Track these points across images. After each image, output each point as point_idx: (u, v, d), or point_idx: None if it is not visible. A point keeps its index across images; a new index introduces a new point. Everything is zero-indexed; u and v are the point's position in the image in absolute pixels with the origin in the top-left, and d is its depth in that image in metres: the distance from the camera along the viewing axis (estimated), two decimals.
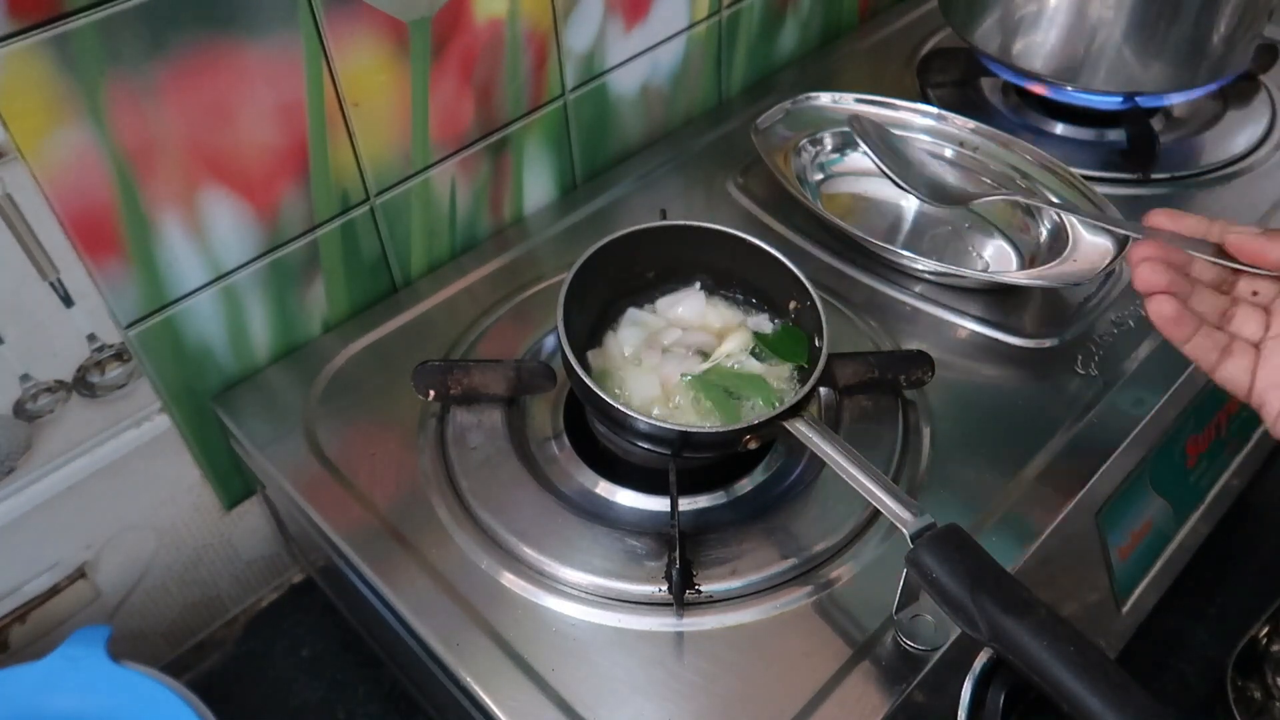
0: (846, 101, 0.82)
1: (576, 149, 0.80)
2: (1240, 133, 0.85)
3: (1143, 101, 0.82)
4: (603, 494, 0.58)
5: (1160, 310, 0.49)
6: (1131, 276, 0.50)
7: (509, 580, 0.54)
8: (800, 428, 0.52)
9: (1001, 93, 0.91)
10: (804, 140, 0.80)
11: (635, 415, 0.52)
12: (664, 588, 0.52)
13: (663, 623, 0.52)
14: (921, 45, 0.97)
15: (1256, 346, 0.50)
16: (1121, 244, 0.69)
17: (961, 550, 0.46)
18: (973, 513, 0.57)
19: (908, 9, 1.03)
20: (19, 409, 0.57)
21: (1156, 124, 0.85)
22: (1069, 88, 0.82)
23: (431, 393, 0.61)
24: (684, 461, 0.56)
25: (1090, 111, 0.84)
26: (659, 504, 0.57)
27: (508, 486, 0.58)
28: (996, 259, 0.74)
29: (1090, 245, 0.70)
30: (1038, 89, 0.84)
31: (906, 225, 0.77)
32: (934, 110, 0.81)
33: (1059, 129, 0.87)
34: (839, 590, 0.53)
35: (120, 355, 0.60)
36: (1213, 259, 0.51)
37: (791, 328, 0.60)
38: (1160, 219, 0.53)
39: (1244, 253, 0.51)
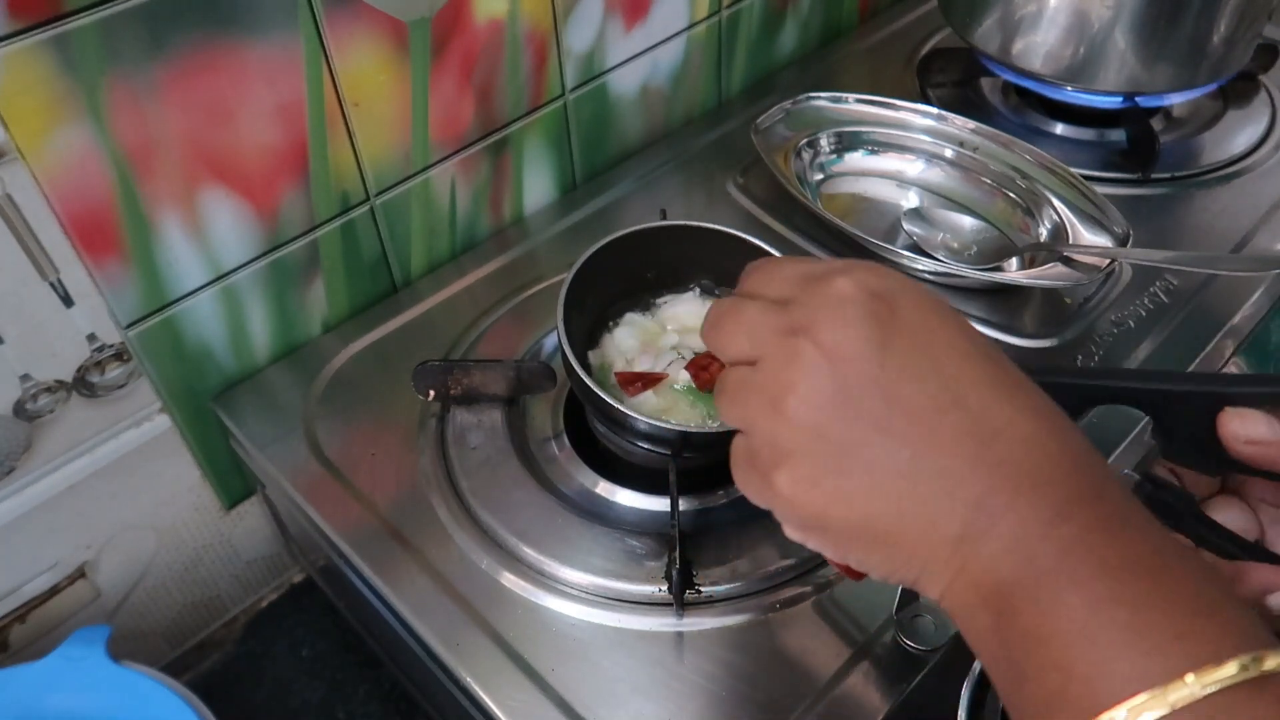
0: (846, 101, 0.82)
1: (576, 149, 0.80)
2: (1240, 133, 0.85)
3: (1143, 101, 0.82)
4: (603, 494, 0.58)
5: None
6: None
7: (509, 580, 0.54)
8: None
9: (1001, 93, 0.91)
10: (804, 140, 0.80)
11: (635, 415, 0.52)
12: (664, 588, 0.52)
13: (663, 623, 0.52)
14: (921, 45, 0.97)
15: None
16: (1121, 243, 0.69)
17: None
18: None
19: (908, 9, 1.03)
20: (19, 409, 0.57)
21: (1156, 124, 0.85)
22: (1069, 88, 0.82)
23: (431, 393, 0.61)
24: (684, 462, 0.56)
25: (1090, 111, 0.84)
26: (659, 504, 0.57)
27: (508, 486, 0.58)
28: (997, 258, 0.74)
29: (1090, 245, 0.70)
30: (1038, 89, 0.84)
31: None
32: (934, 110, 0.81)
33: (1059, 129, 0.87)
34: (839, 590, 0.53)
35: (120, 355, 0.60)
36: None
37: None
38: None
39: None
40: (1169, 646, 0.28)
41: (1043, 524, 0.31)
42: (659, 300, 0.63)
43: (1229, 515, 0.40)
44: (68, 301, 0.56)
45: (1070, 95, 0.83)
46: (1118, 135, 0.85)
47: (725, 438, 0.53)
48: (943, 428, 0.32)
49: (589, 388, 0.53)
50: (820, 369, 0.33)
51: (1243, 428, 0.36)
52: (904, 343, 0.33)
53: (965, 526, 0.31)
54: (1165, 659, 0.27)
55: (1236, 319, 0.69)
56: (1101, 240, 0.71)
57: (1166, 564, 0.30)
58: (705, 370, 0.57)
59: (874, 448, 0.32)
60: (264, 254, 0.64)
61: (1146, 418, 0.39)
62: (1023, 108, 0.89)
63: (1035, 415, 0.33)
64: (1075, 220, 0.73)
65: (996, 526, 0.31)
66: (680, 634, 0.52)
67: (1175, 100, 0.84)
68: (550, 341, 0.66)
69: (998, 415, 0.32)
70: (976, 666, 0.52)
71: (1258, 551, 0.39)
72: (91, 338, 0.59)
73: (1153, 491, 0.39)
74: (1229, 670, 0.27)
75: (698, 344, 0.60)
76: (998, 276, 0.70)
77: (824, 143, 0.81)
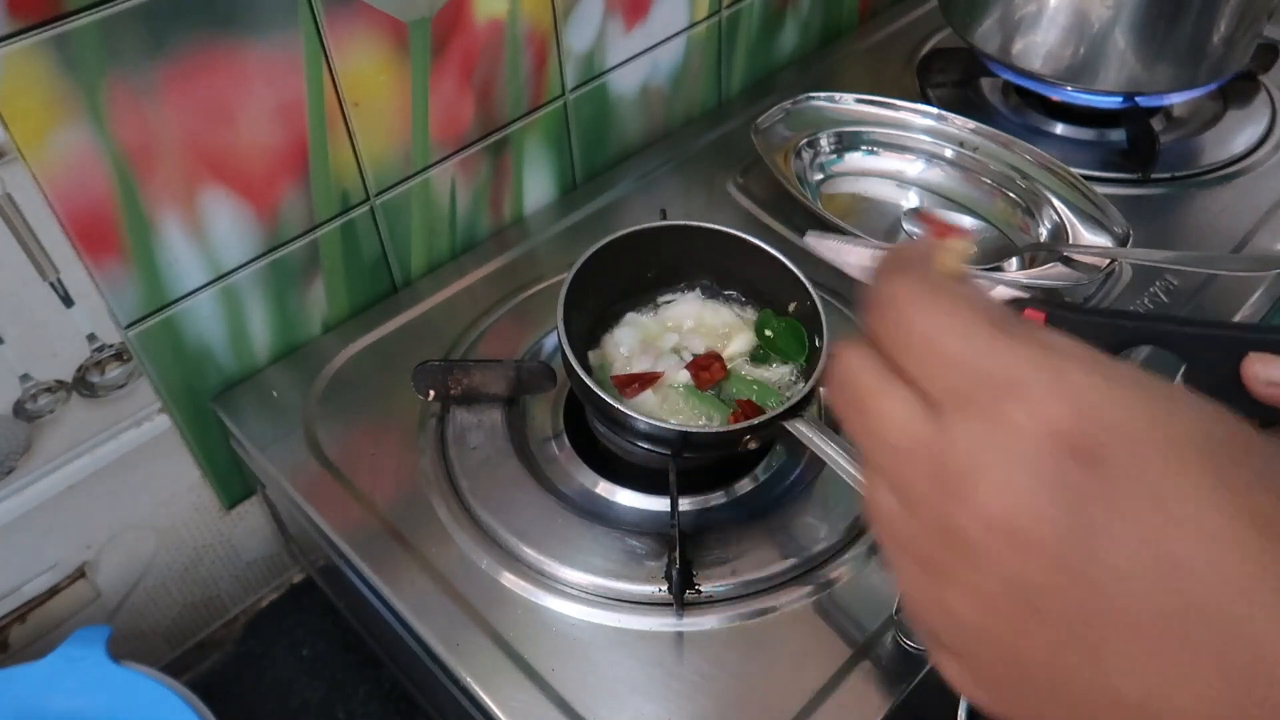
0: (846, 101, 0.82)
1: (576, 149, 0.80)
2: (1240, 133, 0.85)
3: (1143, 101, 0.82)
4: (603, 494, 0.58)
5: None
6: None
7: (509, 580, 0.54)
8: (800, 428, 0.52)
9: (1001, 93, 0.91)
10: (804, 140, 0.80)
11: (635, 415, 0.52)
12: (664, 588, 0.52)
13: (663, 623, 0.52)
14: (921, 45, 0.97)
15: None
16: (1121, 243, 0.69)
17: None
18: None
19: (908, 9, 1.03)
20: (19, 409, 0.57)
21: (1156, 124, 0.85)
22: (1069, 88, 0.82)
23: (431, 393, 0.61)
24: (684, 461, 0.56)
25: (1090, 111, 0.84)
26: (659, 504, 0.57)
27: (508, 486, 0.58)
28: (997, 258, 0.74)
29: (1090, 245, 0.70)
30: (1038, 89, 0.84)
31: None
32: (934, 110, 0.81)
33: (1059, 129, 0.87)
34: (839, 590, 0.53)
35: (120, 355, 0.60)
36: None
37: (792, 321, 0.60)
38: None
39: None
40: None
41: None
42: (659, 300, 0.63)
43: None
44: (68, 301, 0.56)
45: (1070, 95, 0.83)
46: (1118, 135, 0.85)
47: (725, 437, 0.53)
48: (1183, 656, 0.21)
49: (589, 388, 0.53)
50: (985, 558, 0.23)
51: (1264, 370, 0.36)
52: (1115, 523, 0.22)
53: None
54: None
55: (1236, 319, 0.69)
56: (1101, 240, 0.71)
57: None
58: (705, 370, 0.57)
59: (1073, 673, 0.23)
60: (264, 254, 0.64)
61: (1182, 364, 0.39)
62: (1023, 108, 0.89)
63: None
64: (1075, 220, 0.73)
65: None
66: (680, 634, 0.52)
67: (1175, 100, 0.84)
68: (550, 341, 0.66)
69: (1274, 635, 0.21)
70: None
71: None
72: (91, 338, 0.59)
73: None
74: None
75: (698, 344, 0.60)
76: (998, 276, 0.70)
77: (824, 143, 0.81)
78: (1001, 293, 0.41)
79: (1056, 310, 0.39)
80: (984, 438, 0.23)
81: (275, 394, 0.65)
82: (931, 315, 0.25)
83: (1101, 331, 0.40)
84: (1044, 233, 0.74)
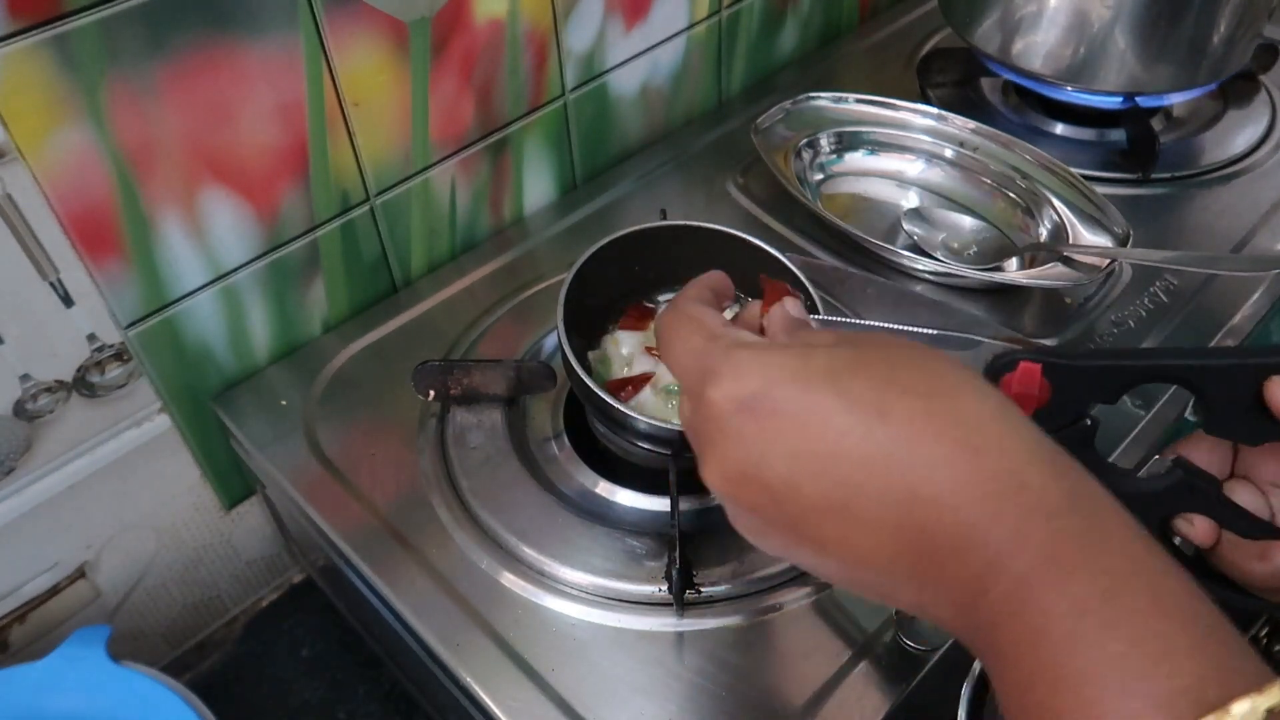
0: (846, 101, 0.82)
1: (576, 149, 0.80)
2: (1240, 133, 0.85)
3: (1143, 101, 0.82)
4: (603, 494, 0.58)
5: None
6: None
7: (509, 580, 0.54)
8: None
9: (1001, 93, 0.91)
10: (804, 140, 0.80)
11: (635, 415, 0.52)
12: (664, 588, 0.52)
13: (663, 623, 0.52)
14: (921, 45, 0.97)
15: None
16: (1121, 244, 0.69)
17: None
18: None
19: (908, 9, 1.03)
20: (19, 409, 0.57)
21: (1156, 124, 0.85)
22: (1069, 88, 0.82)
23: (431, 393, 0.61)
24: (684, 462, 0.56)
25: (1090, 111, 0.84)
26: (659, 504, 0.57)
27: (508, 486, 0.58)
28: (997, 258, 0.74)
29: (1090, 245, 0.70)
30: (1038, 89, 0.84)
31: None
32: (934, 110, 0.81)
33: (1059, 129, 0.87)
34: (839, 590, 0.53)
35: (120, 355, 0.60)
36: None
37: None
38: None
39: None
40: None
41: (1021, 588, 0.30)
42: (660, 300, 0.63)
43: (1243, 498, 0.41)
44: (68, 301, 0.56)
45: (1070, 95, 0.83)
46: (1118, 135, 0.85)
47: None
48: (853, 530, 0.32)
49: (589, 388, 0.53)
50: (724, 498, 0.35)
51: None
52: (779, 448, 0.32)
53: (915, 608, 0.34)
54: None
55: (1236, 319, 0.69)
56: (1101, 240, 0.71)
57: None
58: None
59: (803, 552, 0.34)
60: (264, 254, 0.64)
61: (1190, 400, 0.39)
62: (1023, 108, 0.89)
63: (946, 467, 0.31)
64: (1075, 220, 0.73)
65: (939, 613, 0.33)
66: (680, 634, 0.52)
67: (1175, 100, 0.84)
68: (550, 341, 0.66)
69: (899, 485, 0.31)
70: (977, 667, 0.52)
71: (1276, 531, 0.40)
72: (91, 338, 0.59)
73: (1183, 476, 0.39)
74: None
75: None
76: (998, 276, 0.70)
77: (824, 143, 0.81)
78: (993, 347, 0.41)
79: (1051, 360, 0.38)
80: (702, 418, 0.35)
81: (284, 403, 0.65)
82: (669, 330, 0.39)
83: (1102, 376, 0.39)
84: (1044, 233, 0.74)
